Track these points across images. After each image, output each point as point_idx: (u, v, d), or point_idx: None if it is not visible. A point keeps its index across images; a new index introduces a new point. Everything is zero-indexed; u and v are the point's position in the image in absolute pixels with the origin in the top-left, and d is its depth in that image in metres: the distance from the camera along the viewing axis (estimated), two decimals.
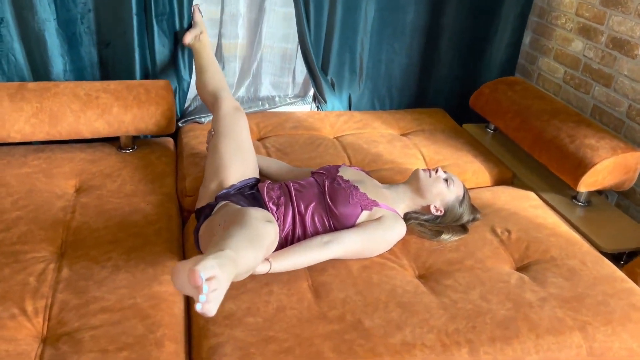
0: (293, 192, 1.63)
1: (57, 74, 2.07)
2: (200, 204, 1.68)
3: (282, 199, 1.61)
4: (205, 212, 1.60)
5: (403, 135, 2.38)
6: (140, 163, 1.96)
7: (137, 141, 2.09)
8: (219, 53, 2.27)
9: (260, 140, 2.22)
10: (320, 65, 2.42)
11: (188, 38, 2.08)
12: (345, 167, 1.79)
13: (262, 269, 1.39)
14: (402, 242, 1.67)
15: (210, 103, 1.91)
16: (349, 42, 2.39)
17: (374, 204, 1.62)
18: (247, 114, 2.33)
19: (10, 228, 1.57)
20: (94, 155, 1.97)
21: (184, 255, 1.61)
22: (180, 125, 2.24)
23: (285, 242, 1.57)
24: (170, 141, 2.15)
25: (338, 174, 1.71)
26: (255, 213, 1.28)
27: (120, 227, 1.63)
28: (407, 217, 1.74)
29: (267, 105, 2.44)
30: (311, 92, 2.52)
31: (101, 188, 1.80)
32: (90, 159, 1.94)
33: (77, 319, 1.31)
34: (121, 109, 1.93)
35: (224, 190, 1.64)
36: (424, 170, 1.74)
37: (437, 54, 2.55)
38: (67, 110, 1.87)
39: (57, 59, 2.05)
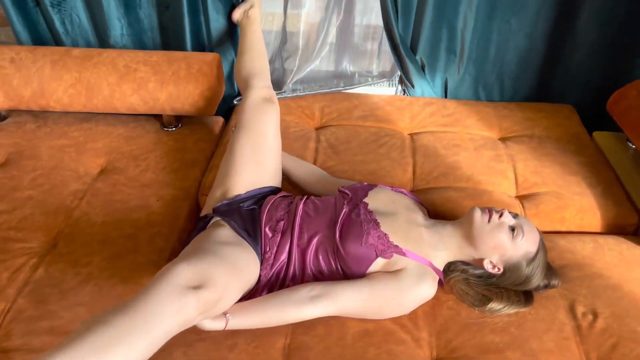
0: (299, 215, 1.31)
1: (115, 38, 1.95)
2: (203, 212, 1.45)
3: (282, 222, 1.31)
4: (199, 226, 1.37)
5: (502, 140, 1.86)
6: (175, 146, 1.78)
7: (184, 119, 1.91)
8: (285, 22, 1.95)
9: (318, 129, 1.90)
10: (408, 41, 1.96)
11: (237, 14, 1.79)
12: (382, 189, 1.40)
13: (214, 325, 1.12)
14: (432, 304, 1.27)
15: (242, 91, 1.63)
16: (448, 15, 1.89)
17: (396, 250, 1.24)
18: (315, 95, 2.01)
19: (15, 209, 1.52)
20: (133, 131, 1.84)
21: None
22: (235, 103, 2.00)
23: (276, 281, 1.27)
24: (218, 122, 1.93)
25: (364, 199, 1.34)
26: (176, 276, 0.99)
27: (117, 224, 1.48)
28: (450, 268, 1.32)
29: (342, 85, 2.08)
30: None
31: (122, 172, 1.66)
32: (127, 136, 1.81)
33: (22, 334, 1.20)
34: (157, 84, 1.74)
35: (224, 202, 1.38)
36: (482, 210, 1.29)
37: (572, 36, 1.91)
38: (103, 83, 1.74)
39: (114, 22, 1.92)
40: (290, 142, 1.76)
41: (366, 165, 1.69)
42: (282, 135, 1.77)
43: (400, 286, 1.20)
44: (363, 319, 1.22)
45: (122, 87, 1.74)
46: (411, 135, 1.88)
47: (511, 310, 1.24)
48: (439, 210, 1.53)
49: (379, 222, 1.27)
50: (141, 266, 1.36)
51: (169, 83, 1.74)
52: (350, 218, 1.29)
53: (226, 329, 1.13)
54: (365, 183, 1.42)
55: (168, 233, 1.47)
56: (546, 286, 1.30)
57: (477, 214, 1.28)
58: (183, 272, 1.00)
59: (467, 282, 1.29)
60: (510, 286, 1.28)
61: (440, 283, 1.29)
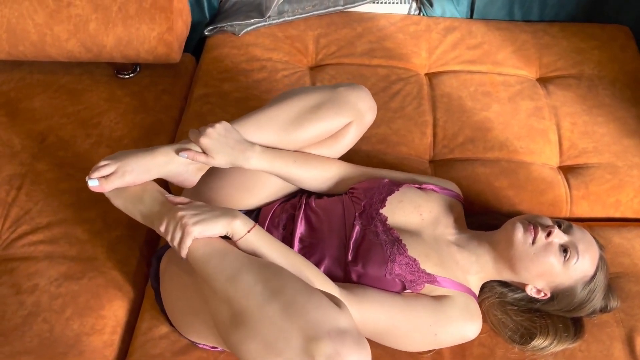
0: (297, 237, 1.02)
1: None
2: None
3: None
4: (159, 253, 1.08)
5: (542, 81, 1.50)
6: (132, 104, 1.41)
7: None
8: None
9: (313, 69, 1.51)
10: None
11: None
12: (405, 192, 1.07)
13: (234, 228, 0.88)
14: None
15: None
16: None
17: (428, 279, 0.97)
18: (308, 19, 1.60)
19: None
20: (79, 81, 1.45)
21: (141, 298, 1.14)
22: (206, 34, 1.57)
23: None
24: (187, 62, 1.52)
25: (380, 211, 1.03)
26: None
27: (66, 227, 1.19)
28: (484, 289, 1.07)
29: (341, 2, 1.63)
30: None
31: (69, 146, 1.32)
32: (72, 89, 1.43)
33: None
34: (101, 25, 1.32)
35: None
36: (525, 227, 0.99)
37: None
38: (28, 24, 1.32)
39: None
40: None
41: (375, 128, 1.34)
42: (268, 83, 1.43)
43: (443, 315, 0.95)
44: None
45: (54, 30, 1.33)
46: (429, 76, 1.50)
47: (559, 347, 1.02)
48: (464, 195, 1.23)
49: (404, 244, 0.98)
50: (101, 290, 1.10)
51: (115, 23, 1.32)
52: (366, 240, 0.99)
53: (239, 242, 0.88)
54: (386, 180, 1.08)
55: (131, 235, 1.19)
56: (602, 310, 1.06)
57: (518, 233, 0.98)
58: None
59: (504, 308, 1.05)
60: (559, 312, 1.04)
61: None
